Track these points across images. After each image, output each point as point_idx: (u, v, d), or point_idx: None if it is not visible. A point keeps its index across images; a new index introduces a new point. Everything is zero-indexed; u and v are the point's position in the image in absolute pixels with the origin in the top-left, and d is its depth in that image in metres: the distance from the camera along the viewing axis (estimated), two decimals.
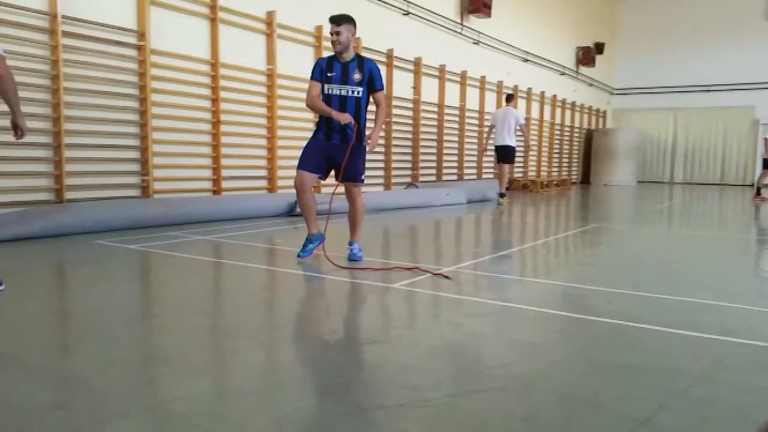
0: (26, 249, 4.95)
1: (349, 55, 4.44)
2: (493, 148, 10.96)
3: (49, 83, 6.19)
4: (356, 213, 4.69)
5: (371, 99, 4.58)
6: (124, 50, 6.84)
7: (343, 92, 4.42)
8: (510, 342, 2.76)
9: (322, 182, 7.55)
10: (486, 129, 12.51)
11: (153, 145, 7.09)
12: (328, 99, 4.43)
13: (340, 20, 4.35)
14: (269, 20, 8.52)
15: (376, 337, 2.81)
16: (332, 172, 4.64)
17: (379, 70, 4.53)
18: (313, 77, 4.46)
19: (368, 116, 4.69)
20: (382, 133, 10.94)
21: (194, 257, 4.77)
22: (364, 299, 3.64)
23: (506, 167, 10.96)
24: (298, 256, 4.58)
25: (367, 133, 4.57)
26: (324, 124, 4.50)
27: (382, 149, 11.10)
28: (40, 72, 6.12)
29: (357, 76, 4.41)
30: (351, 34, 4.39)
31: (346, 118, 4.32)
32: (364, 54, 10.14)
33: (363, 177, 4.63)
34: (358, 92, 4.43)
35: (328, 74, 4.42)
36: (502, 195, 10.83)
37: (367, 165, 11.09)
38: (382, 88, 4.54)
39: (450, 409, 1.98)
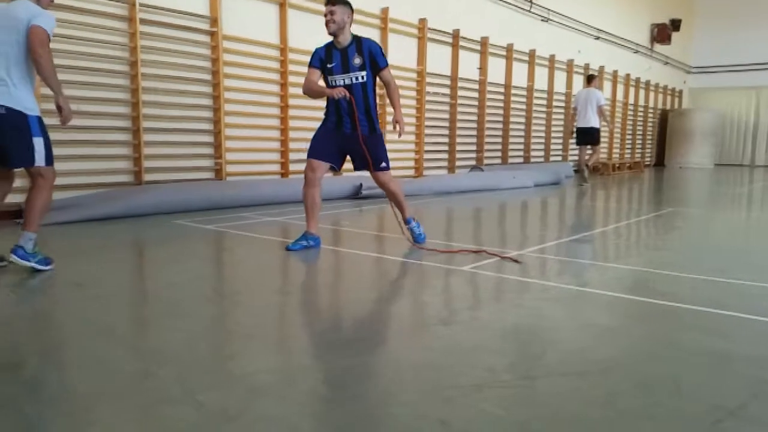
0: (110, 228, 5.21)
1: (345, 39, 4.26)
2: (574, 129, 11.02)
3: (128, 69, 6.45)
4: (394, 196, 4.55)
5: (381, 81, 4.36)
6: (198, 36, 7.04)
7: (347, 81, 4.23)
8: (586, 327, 2.70)
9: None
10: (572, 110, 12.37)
11: (225, 129, 7.29)
12: None
13: (335, 1, 4.21)
14: None
15: (447, 318, 2.81)
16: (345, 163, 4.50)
17: (379, 48, 4.31)
18: (311, 64, 4.31)
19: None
20: (439, 114, 10.87)
21: (266, 237, 4.90)
22: (432, 281, 3.64)
23: (586, 149, 10.86)
24: (287, 248, 4.33)
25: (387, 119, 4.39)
26: (333, 111, 4.34)
27: (447, 131, 11.02)
28: (120, 59, 6.38)
29: (357, 61, 4.23)
30: (346, 16, 4.22)
31: (339, 92, 4.10)
32: (430, 36, 10.14)
33: (384, 164, 4.42)
34: (362, 77, 4.23)
35: (329, 65, 4.26)
36: (578, 171, 10.77)
37: (431, 148, 11.10)
38: (387, 65, 4.30)
39: (527, 391, 1.96)
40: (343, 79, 4.25)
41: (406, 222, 4.62)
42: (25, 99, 3.37)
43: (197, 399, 1.85)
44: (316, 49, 4.35)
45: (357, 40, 4.29)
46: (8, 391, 1.91)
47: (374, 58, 4.25)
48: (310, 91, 4.32)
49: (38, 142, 3.41)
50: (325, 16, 4.22)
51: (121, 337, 2.47)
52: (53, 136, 5.83)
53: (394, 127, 4.29)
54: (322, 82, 4.35)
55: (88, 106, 6.08)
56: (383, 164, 4.43)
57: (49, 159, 3.49)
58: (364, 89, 4.27)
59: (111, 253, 4.30)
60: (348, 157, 4.50)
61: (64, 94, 3.52)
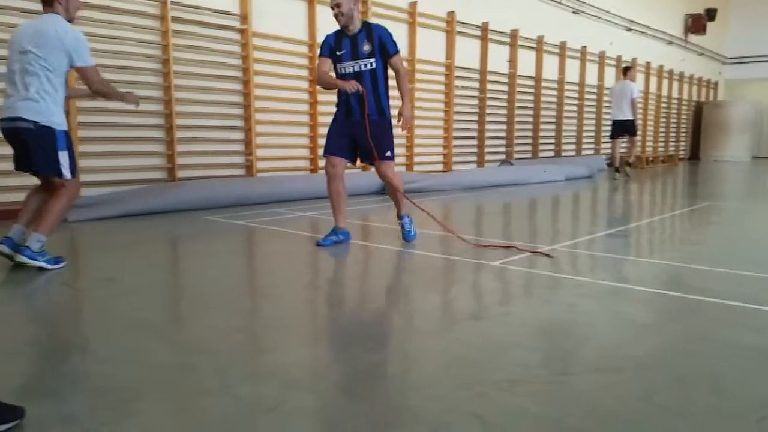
0: (144, 223, 5.31)
1: (355, 27, 4.18)
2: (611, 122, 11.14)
3: (161, 67, 6.56)
4: (394, 192, 4.46)
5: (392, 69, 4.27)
6: (228, 34, 7.11)
7: (356, 68, 4.17)
8: (621, 322, 2.66)
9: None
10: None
11: (256, 126, 7.36)
12: (342, 79, 4.20)
13: None
14: None
15: (478, 313, 2.80)
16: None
17: (389, 34, 4.20)
18: (321, 53, 4.26)
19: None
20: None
21: (297, 232, 4.94)
22: (462, 276, 3.63)
23: (620, 142, 10.91)
24: (317, 243, 4.34)
25: (393, 112, 4.27)
26: (343, 100, 4.27)
27: (476, 126, 10.94)
28: (153, 57, 6.48)
29: (366, 48, 4.15)
30: (352, 4, 4.12)
31: (352, 86, 4.06)
32: (458, 29, 10.08)
33: (389, 153, 4.31)
34: (371, 64, 4.16)
35: (338, 52, 4.19)
36: (617, 170, 10.88)
37: (461, 142, 11.04)
38: (397, 52, 4.22)
39: (562, 387, 1.94)
40: (353, 66, 4.20)
41: (400, 218, 4.57)
42: (53, 114, 3.51)
43: (234, 391, 1.88)
44: (326, 37, 4.29)
45: (367, 26, 4.23)
46: (50, 384, 1.97)
47: (384, 45, 4.18)
48: (322, 82, 4.29)
49: (63, 156, 3.57)
50: (332, 8, 4.17)
51: (157, 331, 2.52)
52: (90, 133, 5.99)
53: (398, 120, 4.21)
54: (333, 72, 4.33)
55: (122, 104, 6.18)
56: (388, 153, 4.34)
57: (73, 171, 3.63)
58: (374, 76, 4.20)
59: (143, 248, 4.38)
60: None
61: (123, 94, 3.87)
